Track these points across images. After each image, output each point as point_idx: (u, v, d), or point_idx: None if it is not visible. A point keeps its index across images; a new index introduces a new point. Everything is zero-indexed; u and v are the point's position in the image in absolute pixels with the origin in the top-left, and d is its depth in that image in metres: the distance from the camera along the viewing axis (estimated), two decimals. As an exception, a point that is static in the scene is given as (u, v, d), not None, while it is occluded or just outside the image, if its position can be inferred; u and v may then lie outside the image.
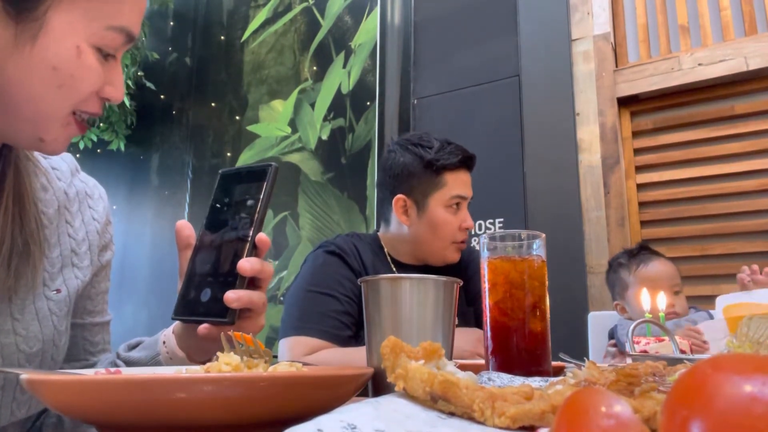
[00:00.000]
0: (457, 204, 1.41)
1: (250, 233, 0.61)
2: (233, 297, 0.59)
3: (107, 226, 0.82)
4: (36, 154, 0.73)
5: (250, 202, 0.63)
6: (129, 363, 0.73)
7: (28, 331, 0.67)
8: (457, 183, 1.41)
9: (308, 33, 3.16)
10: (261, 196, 0.63)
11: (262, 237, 0.62)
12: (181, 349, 0.68)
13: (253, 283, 0.63)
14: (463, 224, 1.41)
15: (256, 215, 0.62)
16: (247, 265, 0.60)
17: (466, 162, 1.43)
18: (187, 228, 0.67)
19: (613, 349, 1.49)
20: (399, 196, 1.42)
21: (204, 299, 0.61)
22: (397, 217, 1.43)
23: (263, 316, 0.65)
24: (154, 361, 0.70)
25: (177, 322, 0.68)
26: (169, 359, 0.69)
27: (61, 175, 0.77)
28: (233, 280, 0.60)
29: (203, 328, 0.60)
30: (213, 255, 0.63)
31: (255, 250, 0.62)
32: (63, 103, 0.60)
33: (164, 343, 0.70)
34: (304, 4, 3.20)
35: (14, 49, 0.57)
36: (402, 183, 1.42)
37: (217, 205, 0.66)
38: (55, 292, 0.71)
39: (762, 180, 2.04)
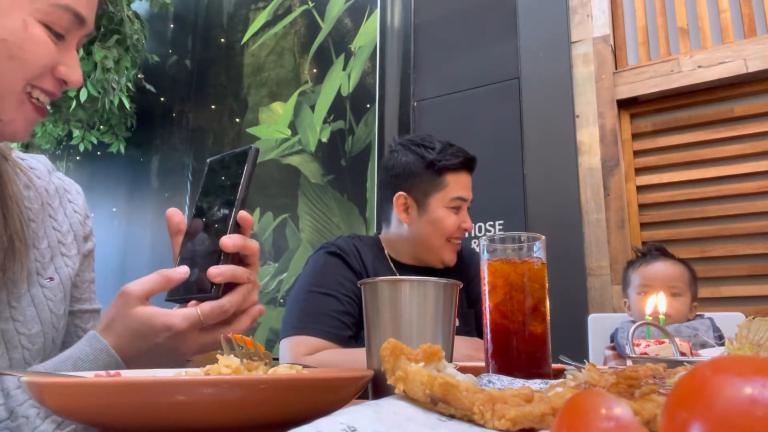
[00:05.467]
0: (458, 205, 1.42)
1: (232, 212, 0.65)
2: (216, 272, 0.62)
3: (86, 219, 0.87)
4: (14, 156, 0.78)
5: (232, 184, 0.67)
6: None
7: (25, 316, 0.71)
8: (458, 185, 1.42)
9: (308, 35, 3.16)
10: (242, 177, 0.66)
11: (244, 215, 0.65)
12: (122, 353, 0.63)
13: (243, 262, 0.66)
14: (463, 225, 1.42)
15: (238, 194, 0.66)
16: (229, 241, 0.63)
17: (468, 164, 1.44)
18: (177, 215, 0.71)
19: (610, 353, 1.49)
20: (400, 193, 1.43)
21: (192, 278, 0.64)
22: (397, 216, 1.44)
23: (255, 293, 0.68)
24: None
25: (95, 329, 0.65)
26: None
27: (39, 173, 0.82)
28: (218, 257, 0.63)
29: (191, 304, 0.63)
30: (200, 237, 0.67)
31: (239, 228, 0.65)
32: (15, 77, 0.62)
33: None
34: (304, 7, 3.21)
35: None
36: (404, 182, 1.43)
37: (205, 192, 0.71)
38: (48, 280, 0.75)
39: (761, 182, 2.04)
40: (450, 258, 1.44)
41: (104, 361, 0.61)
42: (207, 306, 0.62)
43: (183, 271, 0.64)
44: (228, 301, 0.63)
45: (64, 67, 0.66)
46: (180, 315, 0.61)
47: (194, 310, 0.62)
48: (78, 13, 0.65)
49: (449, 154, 1.41)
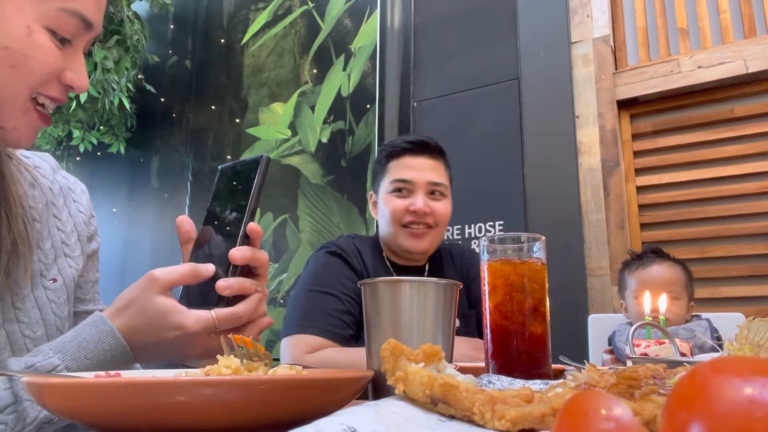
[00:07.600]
0: (399, 188, 1.40)
1: (242, 223, 0.64)
2: (224, 285, 0.61)
3: (91, 219, 0.86)
4: (18, 153, 0.76)
5: (242, 194, 0.66)
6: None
7: (30, 318, 0.70)
8: (399, 167, 1.42)
9: (308, 36, 3.16)
10: (252, 188, 0.66)
11: (253, 226, 0.65)
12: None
13: (252, 273, 0.66)
14: (411, 207, 1.38)
15: (248, 206, 0.65)
16: (237, 253, 0.62)
17: (411, 148, 1.42)
18: (187, 223, 0.70)
19: (608, 356, 1.49)
20: (370, 193, 1.53)
21: (201, 289, 0.64)
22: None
23: (264, 303, 0.67)
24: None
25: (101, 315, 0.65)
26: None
27: (44, 172, 0.80)
28: (227, 269, 0.63)
29: None
30: (209, 247, 0.67)
31: (248, 240, 0.65)
32: (19, 85, 0.60)
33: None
34: (304, 7, 3.21)
35: None
36: (373, 182, 1.53)
37: (215, 200, 0.70)
38: (51, 281, 0.74)
39: (761, 182, 2.04)
40: (409, 243, 1.40)
41: (109, 344, 0.61)
42: (222, 312, 0.62)
43: (210, 269, 0.64)
44: (243, 308, 0.63)
45: (71, 72, 0.64)
46: (193, 317, 0.61)
47: (209, 314, 0.61)
48: (85, 17, 0.62)
49: (395, 144, 1.45)
